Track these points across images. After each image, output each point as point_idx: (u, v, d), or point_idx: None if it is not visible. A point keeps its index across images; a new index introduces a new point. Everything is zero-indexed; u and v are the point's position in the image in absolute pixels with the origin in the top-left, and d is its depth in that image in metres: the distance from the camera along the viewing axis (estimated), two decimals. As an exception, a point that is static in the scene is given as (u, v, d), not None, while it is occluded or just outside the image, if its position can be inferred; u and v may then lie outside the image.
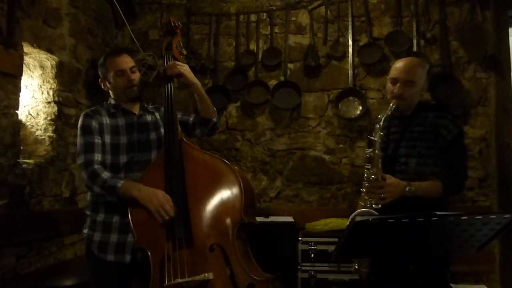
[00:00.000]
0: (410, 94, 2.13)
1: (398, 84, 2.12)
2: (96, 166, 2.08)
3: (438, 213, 1.45)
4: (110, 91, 2.28)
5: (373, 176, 2.04)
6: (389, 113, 2.11)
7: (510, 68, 3.56)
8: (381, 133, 2.09)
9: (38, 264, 2.80)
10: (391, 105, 2.13)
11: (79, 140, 2.16)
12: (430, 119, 2.15)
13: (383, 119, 2.10)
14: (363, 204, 2.10)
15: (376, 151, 2.06)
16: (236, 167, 2.14)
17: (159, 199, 1.96)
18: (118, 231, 2.13)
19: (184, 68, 2.19)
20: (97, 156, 2.11)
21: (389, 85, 2.18)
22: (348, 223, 1.98)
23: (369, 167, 2.08)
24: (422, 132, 2.14)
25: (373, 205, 2.04)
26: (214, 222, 1.99)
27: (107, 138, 2.17)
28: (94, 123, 2.16)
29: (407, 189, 2.00)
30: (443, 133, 2.10)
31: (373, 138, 2.09)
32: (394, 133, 2.21)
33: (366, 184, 2.08)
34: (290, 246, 3.27)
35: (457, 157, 2.13)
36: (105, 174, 2.05)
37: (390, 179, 2.03)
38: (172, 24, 2.25)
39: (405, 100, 2.13)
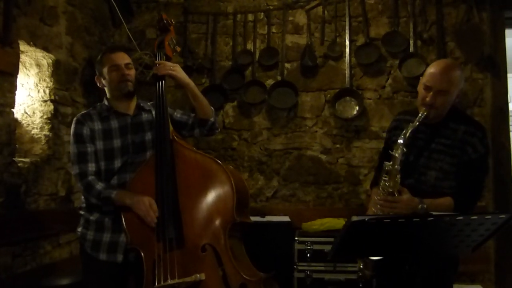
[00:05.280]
0: (443, 103, 2.01)
1: (431, 93, 1.99)
2: (90, 178, 2.09)
3: (433, 213, 1.46)
4: (105, 88, 2.27)
5: (389, 190, 1.99)
6: (417, 124, 1.98)
7: (506, 69, 3.58)
8: (404, 149, 1.97)
9: (34, 263, 2.78)
10: (420, 114, 1.99)
11: (72, 149, 2.17)
12: (460, 134, 2.04)
13: (408, 133, 1.97)
14: (374, 210, 2.06)
15: (396, 166, 1.97)
16: (231, 167, 2.14)
17: (145, 206, 1.98)
18: (111, 231, 2.14)
19: (175, 69, 2.18)
20: (91, 166, 2.12)
21: (421, 90, 2.05)
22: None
23: (387, 178, 2.00)
24: (448, 146, 2.04)
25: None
26: (205, 222, 1.98)
27: (100, 144, 2.16)
28: (85, 131, 2.16)
29: (419, 207, 1.95)
30: (469, 151, 2.01)
31: (393, 154, 1.98)
32: (419, 139, 2.09)
33: (381, 194, 2.02)
34: (286, 245, 3.27)
35: (476, 177, 2.05)
36: (99, 185, 2.07)
37: (406, 194, 1.97)
38: (165, 21, 2.24)
39: (437, 109, 2.01)
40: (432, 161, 2.06)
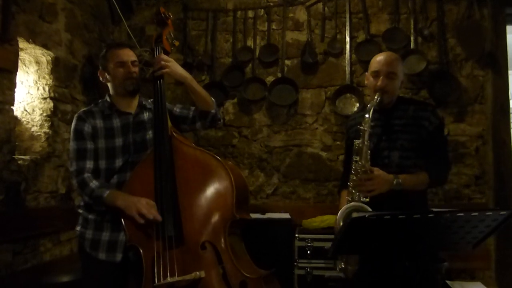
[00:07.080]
0: (393, 86, 2.14)
1: (381, 77, 2.12)
2: (85, 175, 2.06)
3: (434, 209, 1.45)
4: (108, 84, 2.24)
5: (362, 169, 2.02)
6: (375, 103, 2.09)
7: (507, 65, 3.57)
8: (372, 123, 2.06)
9: (34, 261, 2.79)
10: (375, 97, 2.10)
11: (71, 145, 2.14)
12: (411, 111, 2.16)
13: (371, 110, 2.07)
14: (350, 198, 2.07)
15: (366, 142, 2.05)
16: (229, 162, 2.12)
17: (141, 208, 1.93)
18: (110, 230, 2.12)
19: (167, 65, 2.13)
20: (89, 164, 2.09)
21: (370, 79, 2.18)
22: (338, 216, 1.99)
23: (357, 159, 2.06)
24: (403, 125, 2.14)
25: (362, 198, 2.02)
26: (205, 219, 1.96)
27: (101, 143, 2.14)
28: (86, 128, 2.13)
29: (394, 182, 2.00)
30: (425, 125, 2.11)
31: (362, 128, 2.06)
32: (375, 127, 2.16)
33: (354, 177, 2.05)
34: (286, 242, 3.27)
35: (439, 147, 2.16)
36: (93, 183, 2.04)
37: (378, 171, 2.02)
38: (162, 14, 2.22)
39: (388, 92, 2.12)
40: (392, 142, 2.14)
